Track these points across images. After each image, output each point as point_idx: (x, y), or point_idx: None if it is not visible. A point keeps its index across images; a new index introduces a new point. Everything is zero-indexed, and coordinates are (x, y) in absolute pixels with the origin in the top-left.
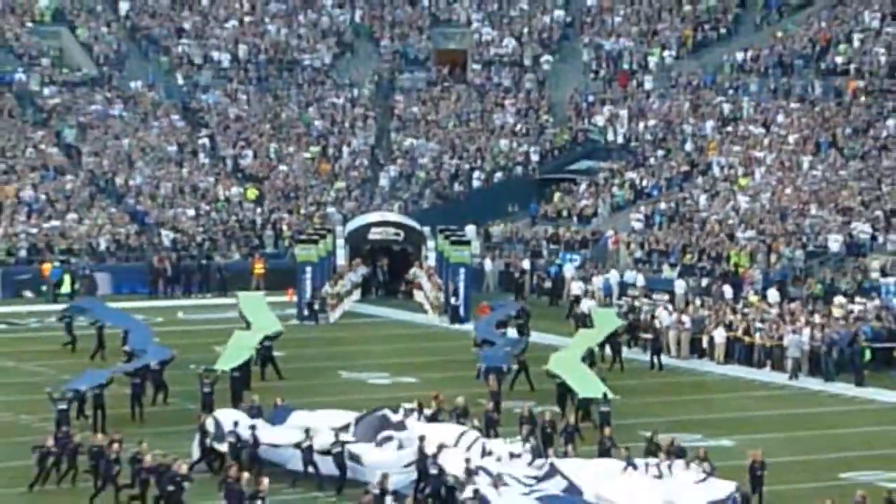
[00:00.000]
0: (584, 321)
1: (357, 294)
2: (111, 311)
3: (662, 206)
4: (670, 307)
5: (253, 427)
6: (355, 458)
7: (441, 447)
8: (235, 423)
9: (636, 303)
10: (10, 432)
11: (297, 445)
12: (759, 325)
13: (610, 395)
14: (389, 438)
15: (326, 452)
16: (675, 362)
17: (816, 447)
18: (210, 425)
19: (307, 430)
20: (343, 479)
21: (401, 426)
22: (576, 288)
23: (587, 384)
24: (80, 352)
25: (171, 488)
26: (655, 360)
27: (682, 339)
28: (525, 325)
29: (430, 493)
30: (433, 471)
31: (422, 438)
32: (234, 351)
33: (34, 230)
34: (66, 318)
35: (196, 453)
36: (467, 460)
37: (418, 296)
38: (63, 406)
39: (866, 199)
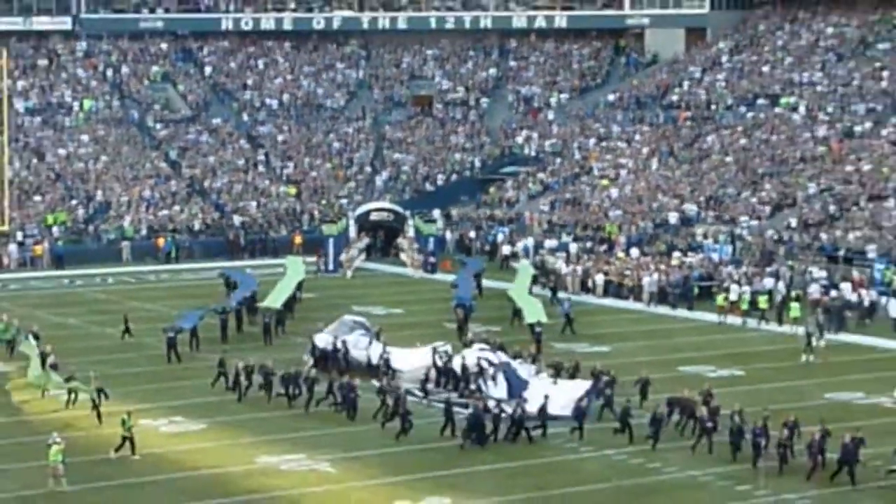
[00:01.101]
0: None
1: (363, 257)
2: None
3: (564, 195)
4: (567, 261)
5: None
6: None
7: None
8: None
9: (545, 258)
10: (137, 348)
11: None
12: (625, 272)
13: (544, 320)
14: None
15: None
16: (573, 298)
17: (663, 350)
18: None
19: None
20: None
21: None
22: (505, 250)
23: (532, 311)
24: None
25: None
26: (554, 296)
27: (575, 281)
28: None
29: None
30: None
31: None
32: (277, 294)
33: (151, 217)
34: (223, 275)
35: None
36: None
37: (402, 257)
38: (171, 335)
39: (693, 189)
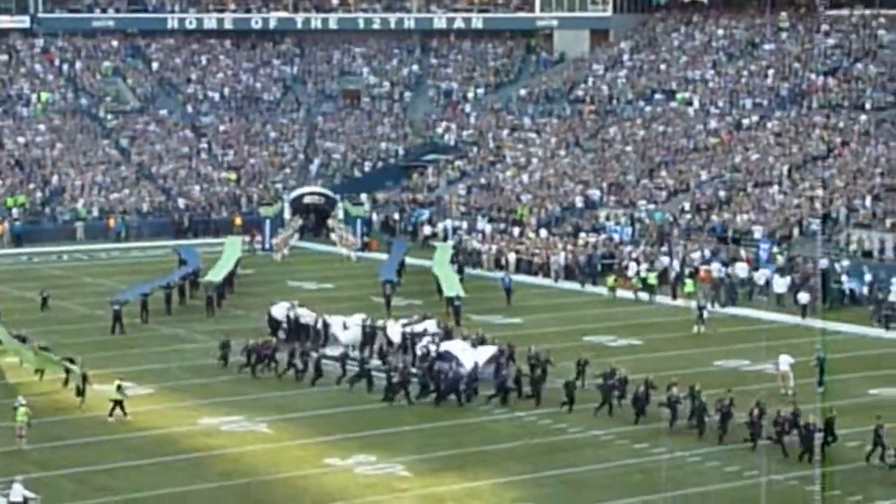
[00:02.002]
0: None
1: (296, 238)
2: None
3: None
4: (482, 241)
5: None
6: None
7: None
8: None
9: (462, 238)
10: (90, 319)
11: None
12: (535, 250)
13: (462, 294)
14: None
15: None
16: (486, 273)
17: (569, 322)
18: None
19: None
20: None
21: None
22: (426, 230)
23: (451, 285)
24: (142, 272)
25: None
26: (461, 273)
27: (490, 259)
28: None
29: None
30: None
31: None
32: (218, 270)
33: (103, 199)
34: (177, 252)
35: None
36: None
37: (332, 237)
38: (117, 307)
39: (596, 175)
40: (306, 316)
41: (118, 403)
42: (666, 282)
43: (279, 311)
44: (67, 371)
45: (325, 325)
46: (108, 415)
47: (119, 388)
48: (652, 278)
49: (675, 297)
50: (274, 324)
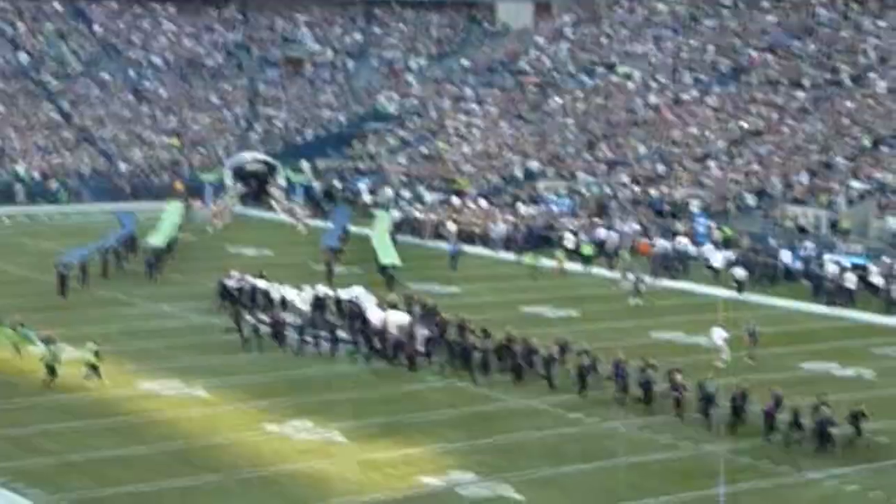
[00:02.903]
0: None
1: (235, 207)
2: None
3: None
4: (422, 211)
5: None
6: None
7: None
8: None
9: (404, 207)
10: (30, 282)
11: None
12: (475, 220)
13: (398, 263)
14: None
15: None
16: (426, 243)
17: (507, 292)
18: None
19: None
20: None
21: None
22: (367, 199)
23: (386, 254)
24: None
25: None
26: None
27: (430, 228)
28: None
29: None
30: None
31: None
32: (159, 235)
33: (44, 163)
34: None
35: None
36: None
37: (273, 204)
38: (62, 271)
39: (537, 147)
40: (262, 286)
41: (93, 367)
42: (604, 254)
43: (233, 281)
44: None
45: (282, 295)
46: (84, 377)
47: (96, 353)
48: (588, 249)
49: (612, 268)
50: (226, 293)
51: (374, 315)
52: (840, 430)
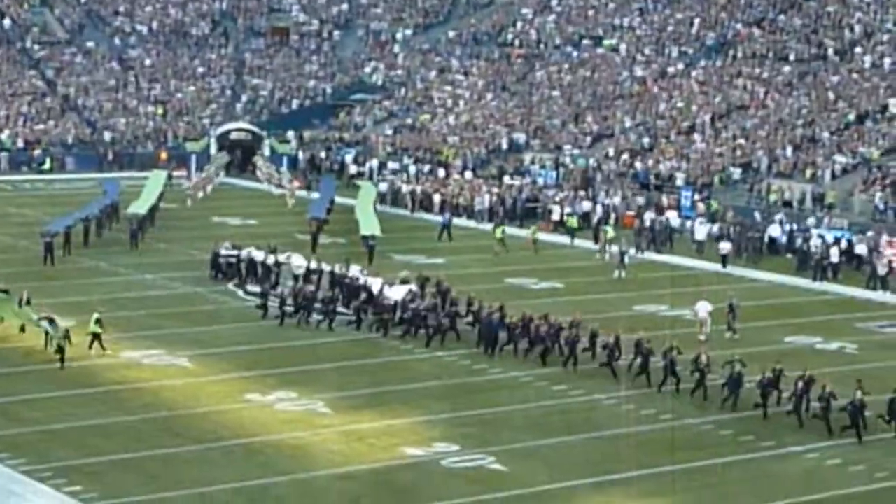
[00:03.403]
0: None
1: (223, 174)
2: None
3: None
4: (407, 182)
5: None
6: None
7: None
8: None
9: (388, 178)
10: (14, 250)
11: None
12: (460, 192)
13: (378, 234)
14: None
15: None
16: (413, 215)
17: (492, 264)
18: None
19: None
20: None
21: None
22: (352, 169)
23: (368, 225)
24: (67, 204)
25: None
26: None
27: (415, 200)
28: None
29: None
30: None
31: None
32: (142, 202)
33: (27, 130)
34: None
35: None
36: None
37: (258, 174)
38: (48, 239)
39: (522, 119)
40: (257, 256)
41: (96, 337)
42: (588, 227)
43: (226, 251)
44: (47, 333)
45: (278, 265)
46: (88, 347)
47: (98, 321)
48: (573, 222)
49: (596, 241)
50: (218, 264)
51: (380, 289)
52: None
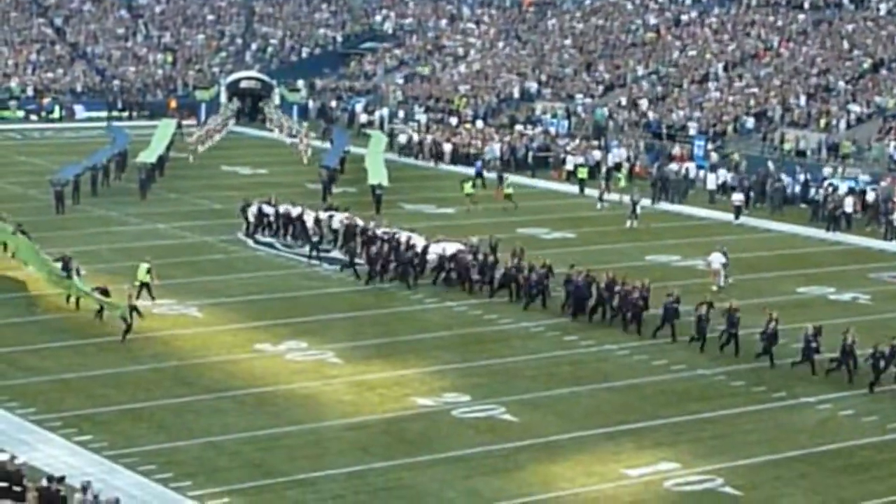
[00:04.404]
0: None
1: (232, 122)
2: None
3: (418, 70)
4: (418, 131)
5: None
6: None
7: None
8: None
9: (398, 127)
10: (24, 199)
11: None
12: (471, 141)
13: (385, 184)
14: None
15: None
16: (422, 164)
17: (501, 213)
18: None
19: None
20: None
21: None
22: (363, 118)
23: (375, 173)
24: (76, 153)
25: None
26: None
27: (426, 150)
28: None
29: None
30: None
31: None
32: (150, 151)
33: (36, 79)
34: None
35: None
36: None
37: (268, 123)
38: (58, 188)
39: (534, 68)
40: (293, 211)
41: (145, 286)
42: (599, 176)
43: (257, 208)
44: (101, 307)
45: (318, 221)
46: (136, 296)
47: (149, 270)
48: (583, 172)
49: (608, 190)
50: (257, 219)
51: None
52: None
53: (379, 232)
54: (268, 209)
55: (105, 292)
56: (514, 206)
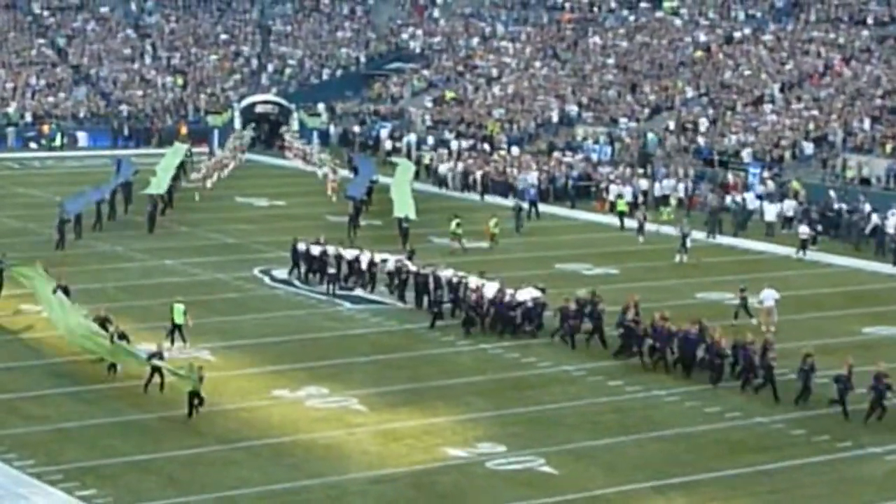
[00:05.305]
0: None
1: (246, 150)
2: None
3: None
4: (448, 159)
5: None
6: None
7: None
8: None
9: (427, 155)
10: (22, 233)
11: None
12: (506, 169)
13: (411, 216)
14: None
15: None
16: (451, 194)
17: (541, 247)
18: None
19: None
20: None
21: None
22: (388, 145)
23: (402, 205)
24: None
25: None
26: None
27: (457, 178)
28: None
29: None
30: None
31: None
32: (158, 181)
33: (36, 103)
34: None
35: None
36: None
37: (287, 151)
38: (67, 219)
39: (574, 89)
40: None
41: (177, 328)
42: (646, 206)
43: (309, 247)
44: (156, 370)
45: (372, 264)
46: (169, 342)
47: (184, 312)
48: (622, 205)
49: (655, 222)
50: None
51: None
52: None
53: (444, 276)
54: (315, 250)
55: (160, 356)
56: (496, 244)
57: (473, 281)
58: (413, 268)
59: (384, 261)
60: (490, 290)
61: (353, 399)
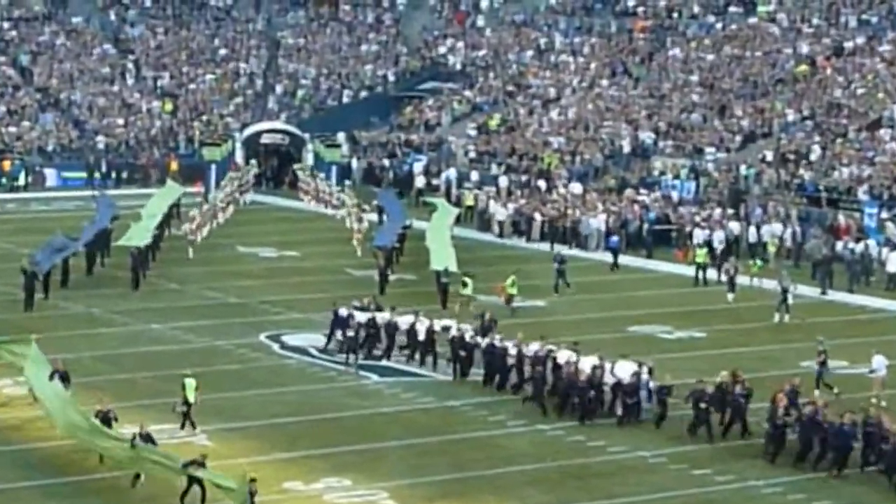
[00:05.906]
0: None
1: (249, 194)
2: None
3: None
4: (496, 198)
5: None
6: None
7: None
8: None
9: (470, 194)
10: None
11: None
12: (567, 211)
13: (452, 269)
14: None
15: None
16: (501, 241)
17: (611, 306)
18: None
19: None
20: None
21: None
22: (421, 182)
23: (440, 256)
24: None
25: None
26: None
27: (506, 223)
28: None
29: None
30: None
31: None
32: (141, 230)
33: None
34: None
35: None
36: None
37: (301, 195)
38: (39, 271)
39: (650, 113)
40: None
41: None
42: (738, 255)
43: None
44: (195, 481)
45: (431, 332)
46: (181, 427)
47: (196, 388)
48: (701, 255)
49: (749, 274)
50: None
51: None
52: None
53: (530, 350)
54: (361, 317)
55: (147, 438)
56: (511, 308)
57: (564, 354)
58: (479, 339)
59: (445, 328)
60: (587, 364)
61: (381, 493)
